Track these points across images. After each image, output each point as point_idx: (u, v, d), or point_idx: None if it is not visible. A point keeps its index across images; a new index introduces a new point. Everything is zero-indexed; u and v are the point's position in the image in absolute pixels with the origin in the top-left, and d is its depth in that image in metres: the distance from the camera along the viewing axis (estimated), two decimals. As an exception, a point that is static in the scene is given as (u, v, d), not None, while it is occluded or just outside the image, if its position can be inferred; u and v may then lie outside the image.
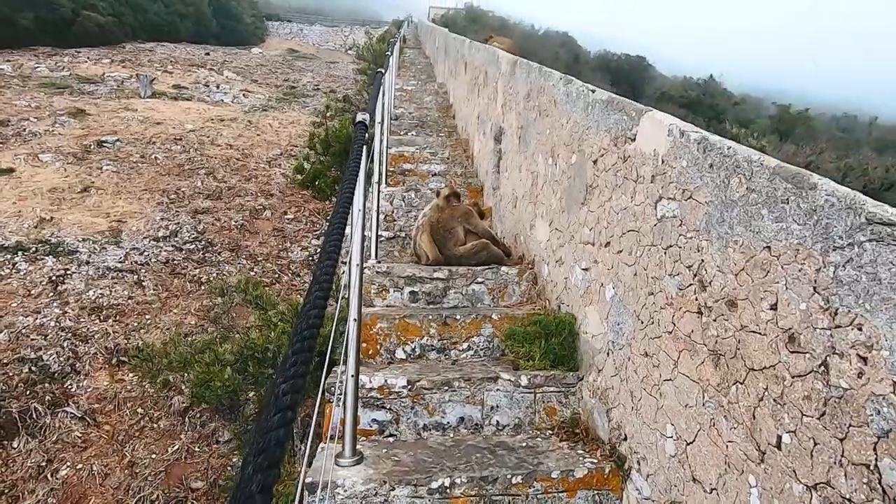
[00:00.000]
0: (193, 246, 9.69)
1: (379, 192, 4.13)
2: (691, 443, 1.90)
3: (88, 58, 14.14)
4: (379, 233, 4.65)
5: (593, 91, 2.97)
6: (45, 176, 10.95)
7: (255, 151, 12.19)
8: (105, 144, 11.62)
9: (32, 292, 8.45)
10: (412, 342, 3.17)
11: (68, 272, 8.84)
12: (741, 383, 1.64)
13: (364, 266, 3.59)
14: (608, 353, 2.59)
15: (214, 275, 9.08)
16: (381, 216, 5.00)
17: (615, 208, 2.57)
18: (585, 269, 2.89)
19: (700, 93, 18.94)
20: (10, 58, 13.82)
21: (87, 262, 8.99)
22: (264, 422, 0.87)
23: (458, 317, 3.23)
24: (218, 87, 13.84)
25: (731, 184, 1.74)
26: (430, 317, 3.20)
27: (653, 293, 2.21)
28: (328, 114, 7.67)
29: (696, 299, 1.90)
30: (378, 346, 3.14)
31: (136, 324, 7.98)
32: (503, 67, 4.86)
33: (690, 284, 1.95)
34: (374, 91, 3.94)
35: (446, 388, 2.75)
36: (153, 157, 11.57)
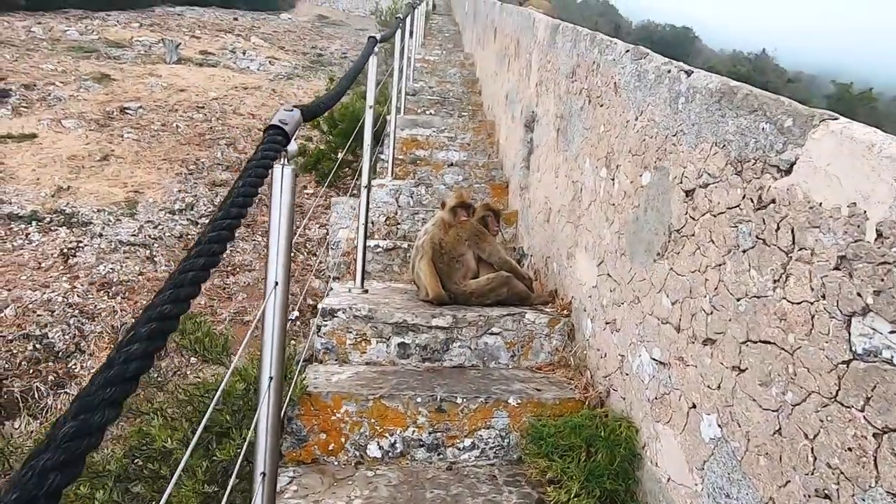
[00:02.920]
0: (208, 219, 8.72)
1: (370, 191, 2.94)
2: None
3: (118, 21, 13.04)
4: (376, 243, 3.49)
5: (688, 73, 1.69)
6: (66, 142, 10.07)
7: (278, 122, 11.01)
8: (128, 111, 10.63)
9: (43, 265, 7.63)
10: (392, 434, 2.04)
11: (80, 245, 7.99)
12: None
13: (336, 309, 2.44)
14: (699, 527, 1.42)
15: (227, 252, 8.16)
16: (383, 218, 3.83)
17: (732, 288, 1.35)
18: (661, 363, 1.69)
19: (750, 69, 16.48)
20: (42, 20, 12.84)
21: (100, 235, 8.12)
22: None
23: (458, 400, 2.07)
24: (244, 53, 12.63)
25: None
26: (419, 399, 2.06)
27: (830, 497, 1.02)
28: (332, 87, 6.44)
29: None
30: (343, 440, 2.02)
31: (145, 301, 7.11)
32: (540, 34, 3.53)
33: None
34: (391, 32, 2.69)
35: (430, 541, 1.64)
36: (174, 125, 10.55)
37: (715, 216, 1.45)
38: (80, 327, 6.68)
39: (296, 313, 5.91)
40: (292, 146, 1.26)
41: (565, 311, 2.57)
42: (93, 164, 9.77)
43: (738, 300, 1.32)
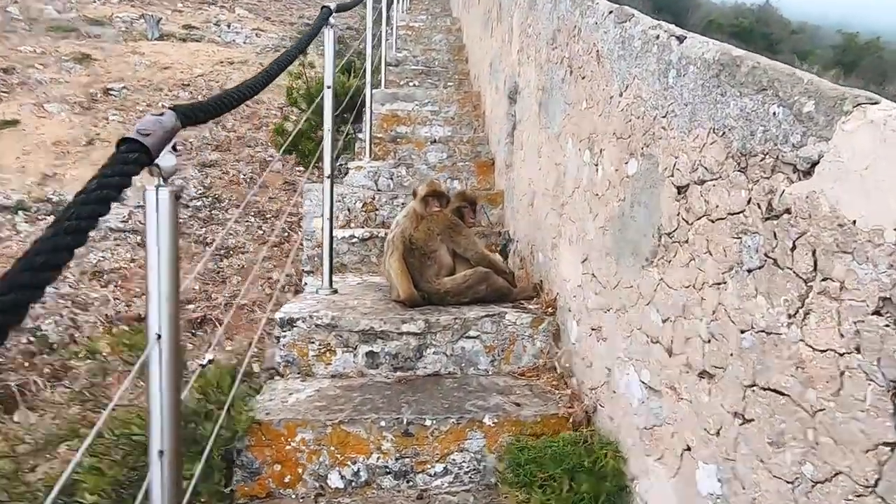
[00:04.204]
0: (200, 202, 8.49)
1: (332, 183, 2.62)
2: None
3: (97, -4, 12.46)
4: (351, 232, 3.20)
5: (680, 40, 1.35)
6: (50, 128, 9.72)
7: (266, 97, 10.64)
8: (111, 92, 10.20)
9: (32, 256, 7.43)
10: (355, 462, 1.81)
11: (69, 234, 7.77)
12: None
13: (296, 318, 2.18)
14: (696, 592, 1.18)
15: (221, 235, 7.94)
16: (359, 204, 3.53)
17: (734, 315, 1.07)
18: (651, 389, 1.42)
19: (753, 20, 15.57)
20: (19, -1, 12.28)
21: (89, 223, 7.88)
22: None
23: (427, 422, 1.83)
24: (229, 26, 12.06)
25: None
26: (383, 422, 1.82)
27: None
28: (307, 60, 5.97)
29: None
30: (300, 470, 1.79)
31: (138, 289, 6.96)
32: (521, -5, 3.13)
33: None
34: None
35: None
36: (160, 105, 10.14)
37: (713, 222, 1.15)
38: (74, 318, 6.52)
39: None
40: (166, 160, 0.96)
41: (550, 309, 2.30)
42: (78, 150, 9.47)
43: (742, 332, 1.04)
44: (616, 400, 1.63)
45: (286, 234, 7.66)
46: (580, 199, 1.98)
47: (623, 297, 1.59)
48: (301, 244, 6.51)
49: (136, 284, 7.03)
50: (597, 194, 1.81)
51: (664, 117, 1.38)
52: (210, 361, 1.26)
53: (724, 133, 1.12)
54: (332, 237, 2.52)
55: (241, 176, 9.03)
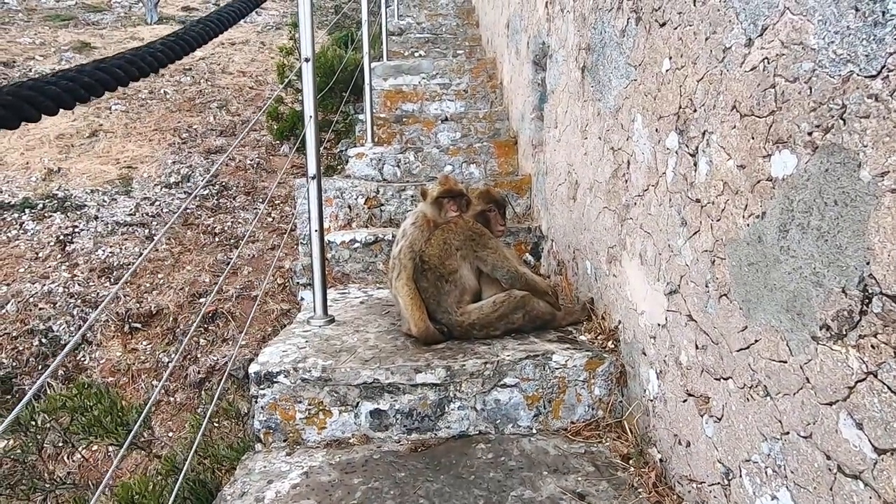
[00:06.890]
0: (207, 191, 7.90)
1: (320, 184, 1.98)
2: None
3: (93, -18, 11.69)
4: (352, 236, 2.58)
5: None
6: (52, 121, 9.19)
7: (271, 77, 9.94)
8: (112, 80, 9.60)
9: (40, 255, 6.99)
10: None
11: (76, 230, 7.29)
12: None
13: (275, 372, 1.59)
14: None
15: (229, 223, 7.40)
16: (361, 199, 2.89)
17: None
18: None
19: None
20: (16, -12, 11.58)
21: (96, 217, 7.39)
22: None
23: (457, 534, 1.25)
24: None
25: None
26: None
27: None
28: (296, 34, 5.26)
29: None
30: None
31: (148, 284, 6.47)
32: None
33: None
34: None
35: None
36: (162, 91, 9.50)
37: None
38: (85, 317, 6.12)
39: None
40: None
41: (609, 342, 1.67)
42: (82, 142, 8.96)
43: None
44: (745, 522, 1.02)
45: (297, 220, 7.14)
46: (660, 202, 1.32)
47: (762, 371, 0.95)
48: (297, 247, 5.85)
49: (146, 280, 6.54)
50: (696, 200, 1.15)
51: (871, 78, 0.71)
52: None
53: None
54: (323, 254, 1.90)
55: (248, 161, 8.40)
